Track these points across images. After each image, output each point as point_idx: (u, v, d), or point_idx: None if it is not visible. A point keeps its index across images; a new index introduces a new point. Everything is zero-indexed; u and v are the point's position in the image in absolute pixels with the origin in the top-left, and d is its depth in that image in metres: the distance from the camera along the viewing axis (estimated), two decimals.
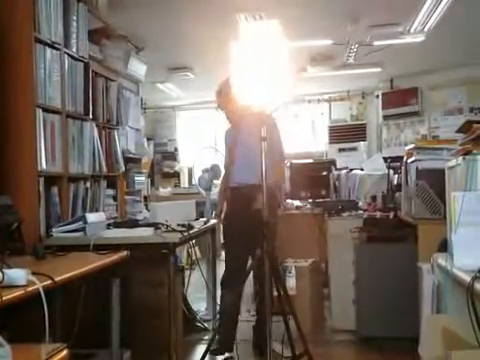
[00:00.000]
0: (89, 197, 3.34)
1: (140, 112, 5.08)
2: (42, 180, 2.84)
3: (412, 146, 3.60)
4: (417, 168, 3.32)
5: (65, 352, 1.50)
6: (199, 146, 8.25)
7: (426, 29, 5.28)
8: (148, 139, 7.82)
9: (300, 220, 4.73)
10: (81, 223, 2.82)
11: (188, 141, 9.04)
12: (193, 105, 8.94)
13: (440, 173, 2.51)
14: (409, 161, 3.55)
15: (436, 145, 3.40)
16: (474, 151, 1.90)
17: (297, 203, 5.19)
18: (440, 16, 4.86)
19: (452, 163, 2.19)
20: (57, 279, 1.77)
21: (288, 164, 5.13)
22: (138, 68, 4.79)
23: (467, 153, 1.97)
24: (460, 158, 2.02)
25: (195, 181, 4.49)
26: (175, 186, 8.44)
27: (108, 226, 2.99)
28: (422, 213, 3.21)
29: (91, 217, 2.88)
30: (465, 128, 2.12)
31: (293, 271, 4.18)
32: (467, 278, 1.59)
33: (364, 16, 4.46)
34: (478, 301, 1.49)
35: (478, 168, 1.79)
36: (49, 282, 1.71)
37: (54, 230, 2.83)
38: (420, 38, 5.55)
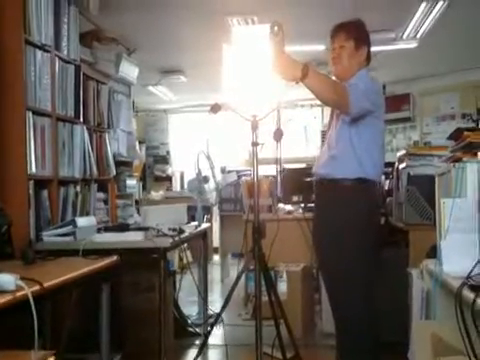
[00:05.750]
0: (79, 201, 3.32)
1: (132, 115, 5.07)
2: (32, 183, 2.82)
3: (403, 152, 3.62)
4: (408, 174, 3.34)
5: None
6: (191, 150, 8.27)
7: (418, 36, 5.32)
8: (140, 142, 7.81)
9: (292, 225, 4.72)
10: (71, 227, 2.80)
11: (180, 144, 9.04)
12: (185, 108, 8.94)
13: (431, 179, 2.51)
14: (400, 167, 3.57)
15: (427, 152, 3.42)
16: (464, 158, 1.91)
17: (289, 208, 5.19)
18: (432, 23, 4.90)
19: (442, 170, 2.20)
20: (46, 285, 1.76)
21: (280, 168, 5.14)
22: (130, 71, 4.77)
23: (457, 160, 1.98)
24: (450, 165, 2.03)
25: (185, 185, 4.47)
26: (167, 190, 8.42)
27: (98, 230, 2.97)
28: (413, 219, 3.23)
29: (81, 221, 2.86)
30: (455, 135, 2.13)
31: (284, 276, 4.18)
32: (456, 284, 1.59)
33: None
34: (466, 307, 1.49)
35: (467, 175, 1.80)
36: (38, 287, 1.71)
37: (44, 234, 2.81)
38: (413, 44, 5.59)
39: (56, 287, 1.87)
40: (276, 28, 2.34)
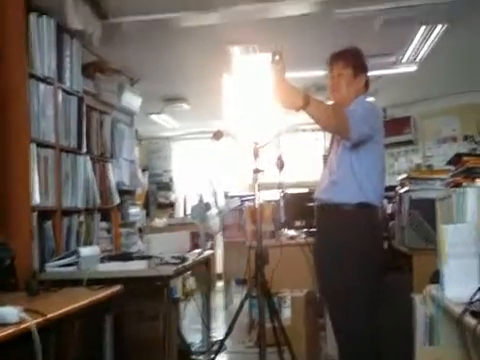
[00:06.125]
0: (83, 230, 3.34)
1: (135, 144, 5.11)
2: (35, 215, 2.85)
3: (405, 176, 3.63)
4: (410, 198, 3.34)
5: None
6: (194, 176, 8.29)
7: (418, 59, 5.38)
8: (143, 170, 7.85)
9: (295, 250, 4.71)
10: (74, 257, 2.82)
11: (183, 171, 9.08)
12: (188, 135, 9.00)
13: (433, 203, 2.52)
14: (402, 191, 3.57)
15: (428, 175, 3.42)
16: (464, 183, 1.92)
17: (292, 233, 5.19)
18: (431, 47, 4.96)
19: (443, 195, 2.21)
20: (49, 316, 1.76)
21: (282, 194, 5.14)
22: (132, 100, 4.83)
23: (457, 185, 1.99)
24: (450, 190, 2.04)
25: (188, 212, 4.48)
26: (170, 216, 8.42)
27: (102, 259, 2.98)
28: (416, 243, 3.21)
29: (85, 251, 2.87)
30: (455, 161, 2.15)
31: (288, 301, 4.16)
32: (458, 310, 1.59)
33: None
34: (469, 334, 1.49)
35: (467, 200, 1.81)
36: (41, 319, 1.71)
37: (48, 265, 2.82)
38: (412, 68, 5.65)
39: (60, 318, 1.87)
40: (277, 57, 2.39)
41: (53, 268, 2.81)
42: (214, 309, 5.21)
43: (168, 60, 5.11)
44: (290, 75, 2.39)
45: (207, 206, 3.95)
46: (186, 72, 5.53)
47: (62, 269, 2.80)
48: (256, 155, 2.89)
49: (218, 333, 4.25)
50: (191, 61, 5.13)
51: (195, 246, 4.06)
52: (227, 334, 2.92)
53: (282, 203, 5.11)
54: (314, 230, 3.86)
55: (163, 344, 2.85)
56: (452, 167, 2.33)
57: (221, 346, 3.02)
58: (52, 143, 3.09)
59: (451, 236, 1.80)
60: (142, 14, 3.88)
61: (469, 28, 4.48)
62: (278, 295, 4.04)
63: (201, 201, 3.94)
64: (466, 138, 7.06)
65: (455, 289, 1.76)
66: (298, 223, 5.19)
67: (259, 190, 2.89)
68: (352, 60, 2.66)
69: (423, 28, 4.52)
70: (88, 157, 3.55)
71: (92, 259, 2.88)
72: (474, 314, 1.49)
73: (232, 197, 6.81)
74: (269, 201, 5.27)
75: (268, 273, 2.94)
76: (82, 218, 3.37)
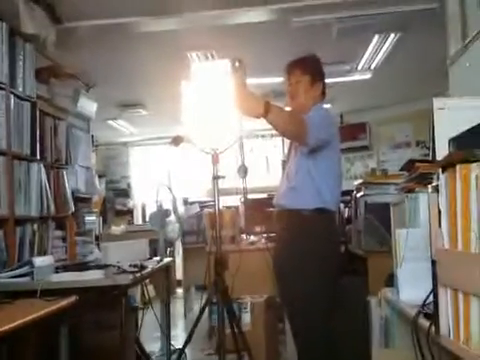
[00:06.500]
0: (37, 240, 3.26)
1: (91, 150, 5.02)
2: None
3: (360, 181, 3.70)
4: (365, 202, 3.41)
5: None
6: (153, 182, 8.20)
7: (372, 67, 5.52)
8: (100, 176, 7.71)
9: (255, 255, 4.73)
10: (28, 267, 2.73)
11: (141, 177, 8.98)
12: (146, 141, 8.92)
13: (388, 207, 2.58)
14: (358, 195, 3.64)
15: (383, 180, 3.50)
16: (416, 189, 1.97)
17: (252, 238, 5.20)
18: (385, 55, 5.10)
19: (396, 200, 2.26)
20: (1, 329, 1.71)
21: (242, 199, 5.15)
22: (88, 106, 4.75)
23: (410, 190, 2.04)
24: (404, 195, 2.09)
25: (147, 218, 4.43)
26: (129, 223, 8.31)
27: (57, 269, 2.90)
28: (371, 246, 3.29)
29: (38, 261, 2.79)
30: (408, 166, 2.20)
31: (248, 307, 4.16)
32: (412, 312, 1.63)
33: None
34: (423, 335, 1.52)
35: (420, 206, 1.86)
36: None
37: (0, 276, 2.73)
38: (367, 75, 5.79)
39: (12, 331, 1.81)
40: (237, 63, 2.39)
41: (5, 279, 2.71)
42: (174, 317, 5.16)
43: (125, 65, 5.05)
44: (249, 82, 2.41)
45: (166, 213, 3.92)
46: (144, 77, 5.48)
47: (15, 280, 2.71)
48: (215, 161, 2.89)
49: (178, 341, 4.21)
50: (149, 66, 5.10)
51: (154, 253, 4.02)
52: (187, 342, 2.89)
53: (242, 209, 5.12)
54: (274, 235, 3.88)
55: (122, 354, 2.80)
56: (405, 173, 2.39)
57: (181, 354, 3.00)
58: (4, 150, 3.00)
59: (405, 240, 1.84)
60: (98, 18, 3.83)
61: (421, 37, 4.61)
62: (238, 301, 4.04)
63: (160, 208, 3.91)
64: (418, 144, 7.27)
65: (409, 292, 1.80)
66: (258, 228, 5.20)
67: (219, 196, 2.89)
68: (310, 68, 2.70)
69: (377, 36, 4.64)
70: (42, 164, 3.46)
71: (46, 269, 2.80)
72: (427, 316, 1.53)
73: (191, 203, 6.78)
74: (229, 207, 5.27)
75: (228, 279, 2.94)
76: (36, 227, 3.28)
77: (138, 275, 2.88)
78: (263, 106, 2.26)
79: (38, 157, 3.40)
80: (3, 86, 3.04)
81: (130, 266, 2.95)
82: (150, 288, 5.37)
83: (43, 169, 3.47)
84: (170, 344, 3.87)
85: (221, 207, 2.98)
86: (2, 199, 2.93)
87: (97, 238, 4.96)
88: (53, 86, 3.92)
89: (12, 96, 3.14)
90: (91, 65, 4.83)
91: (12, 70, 3.16)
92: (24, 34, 3.24)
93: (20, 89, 3.25)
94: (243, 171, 3.13)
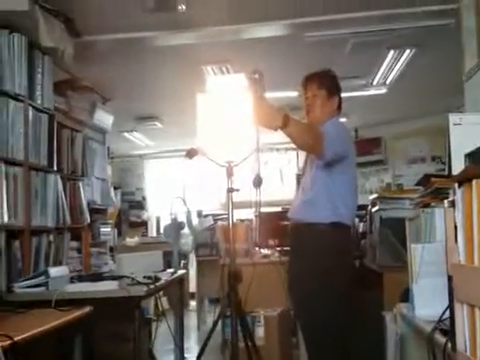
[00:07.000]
0: (52, 250, 3.28)
1: (107, 162, 5.07)
2: (3, 235, 2.79)
3: (376, 196, 3.68)
4: (381, 217, 3.38)
5: None
6: (167, 195, 8.24)
7: (388, 82, 5.52)
8: (115, 188, 7.77)
9: (268, 269, 4.71)
10: (43, 278, 2.75)
11: (156, 190, 9.02)
12: (161, 154, 8.97)
13: (403, 222, 2.56)
14: (373, 210, 3.62)
15: (398, 195, 3.48)
16: (432, 204, 1.96)
17: (265, 252, 5.18)
18: (401, 70, 5.10)
19: (412, 215, 2.24)
20: (17, 339, 1.72)
21: (256, 213, 5.15)
22: (105, 118, 4.81)
23: (426, 205, 2.02)
24: (419, 210, 2.07)
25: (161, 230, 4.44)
26: (143, 235, 8.34)
27: (71, 280, 2.92)
28: (386, 261, 3.25)
29: (54, 271, 2.81)
30: (423, 181, 2.19)
31: (262, 320, 4.14)
32: (428, 328, 1.61)
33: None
34: (439, 351, 1.50)
35: (436, 221, 1.84)
36: (8, 342, 1.67)
37: (15, 286, 2.75)
38: (382, 90, 5.79)
39: (27, 341, 1.83)
40: (256, 75, 2.40)
41: (21, 289, 2.74)
42: (187, 329, 5.14)
43: (142, 79, 5.11)
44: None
45: (180, 225, 3.93)
46: (160, 91, 5.54)
47: (30, 290, 2.73)
48: (230, 174, 2.90)
49: (191, 354, 4.19)
50: (165, 80, 5.14)
51: (168, 265, 4.02)
52: (200, 355, 2.88)
53: (256, 222, 5.11)
54: (288, 249, 3.88)
55: None
56: (421, 187, 2.38)
57: None
58: (21, 161, 3.04)
59: (421, 255, 1.83)
60: (116, 32, 3.88)
61: (436, 53, 4.61)
62: (251, 314, 4.03)
63: (174, 220, 3.91)
64: (434, 159, 7.23)
65: (425, 307, 1.78)
66: (272, 242, 5.19)
67: (233, 209, 2.89)
68: (326, 82, 2.70)
69: (392, 52, 4.64)
70: (58, 175, 3.50)
71: (61, 280, 2.82)
72: (443, 332, 1.51)
73: (205, 216, 6.79)
74: (242, 220, 5.26)
75: (242, 292, 2.93)
76: (51, 238, 3.31)
77: (152, 287, 2.88)
78: (282, 118, 2.26)
79: (55, 168, 3.43)
80: (22, 98, 3.09)
81: (144, 278, 2.96)
82: (164, 300, 5.38)
83: (59, 180, 3.50)
84: (183, 356, 3.86)
85: (235, 220, 2.98)
86: (19, 210, 2.97)
87: (112, 249, 4.98)
88: (71, 99, 3.98)
89: (30, 108, 3.19)
90: (108, 78, 4.89)
91: (31, 83, 3.21)
92: (43, 47, 3.29)
93: (38, 101, 3.29)
94: (258, 181, 3.12)
